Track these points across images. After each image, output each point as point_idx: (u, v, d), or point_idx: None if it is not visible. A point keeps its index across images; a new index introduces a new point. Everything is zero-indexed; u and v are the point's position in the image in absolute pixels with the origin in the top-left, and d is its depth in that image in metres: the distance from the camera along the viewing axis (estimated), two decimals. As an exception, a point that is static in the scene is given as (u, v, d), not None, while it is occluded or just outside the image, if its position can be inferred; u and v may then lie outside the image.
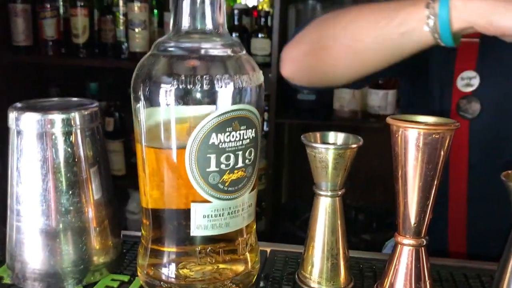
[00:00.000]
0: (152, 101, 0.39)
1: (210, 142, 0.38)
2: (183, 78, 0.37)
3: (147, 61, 0.40)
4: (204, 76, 0.37)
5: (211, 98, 0.38)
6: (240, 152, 0.39)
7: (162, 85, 0.38)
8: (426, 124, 0.39)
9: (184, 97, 0.37)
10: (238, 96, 0.39)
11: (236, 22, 1.91)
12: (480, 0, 0.63)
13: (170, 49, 0.39)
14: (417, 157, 0.39)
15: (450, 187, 0.85)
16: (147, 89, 0.39)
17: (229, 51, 0.40)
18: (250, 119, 0.40)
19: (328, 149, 0.43)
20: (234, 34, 1.91)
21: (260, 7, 2.14)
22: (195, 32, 0.39)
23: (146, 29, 1.92)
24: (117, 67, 1.93)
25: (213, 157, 0.38)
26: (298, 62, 0.83)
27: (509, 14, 0.60)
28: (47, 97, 0.48)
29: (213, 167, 0.38)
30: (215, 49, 0.39)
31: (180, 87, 0.37)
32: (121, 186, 1.89)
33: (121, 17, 1.93)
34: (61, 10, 1.98)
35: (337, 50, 0.74)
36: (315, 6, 1.87)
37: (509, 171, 0.40)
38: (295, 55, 0.83)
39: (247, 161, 0.40)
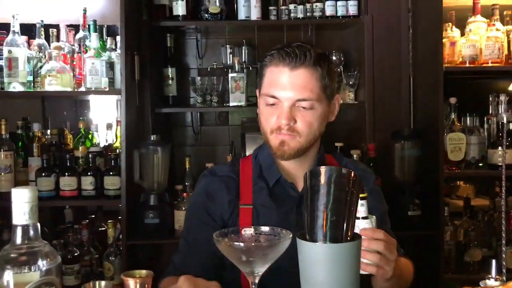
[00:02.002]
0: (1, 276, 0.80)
1: (30, 297, 0.80)
2: (17, 266, 0.80)
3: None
4: (28, 266, 0.80)
5: (32, 273, 0.80)
6: (47, 300, 0.81)
7: (6, 270, 0.80)
8: (136, 276, 0.85)
9: (17, 274, 0.80)
10: (46, 272, 0.82)
11: (90, 164, 2.34)
12: None
13: (9, 252, 0.82)
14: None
15: None
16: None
17: (42, 251, 0.83)
18: (52, 282, 0.83)
19: None
20: (89, 173, 2.33)
21: (114, 146, 2.60)
22: (24, 244, 0.82)
23: (12, 172, 2.27)
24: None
25: (32, 304, 0.80)
26: None
27: None
28: None
29: (32, 308, 0.80)
30: (33, 248, 0.83)
31: (14, 271, 0.80)
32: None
33: (-12, 163, 2.26)
34: None
35: None
36: (156, 149, 2.38)
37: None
38: None
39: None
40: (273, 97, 1.27)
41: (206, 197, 1.36)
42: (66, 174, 2.30)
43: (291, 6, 2.56)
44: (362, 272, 0.97)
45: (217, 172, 1.40)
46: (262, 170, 1.37)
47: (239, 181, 1.36)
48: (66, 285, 2.24)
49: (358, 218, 1.01)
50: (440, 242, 2.36)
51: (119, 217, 2.37)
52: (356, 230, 0.98)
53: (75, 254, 2.33)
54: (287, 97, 1.25)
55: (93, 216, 2.58)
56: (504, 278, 0.90)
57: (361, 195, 1.02)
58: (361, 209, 1.04)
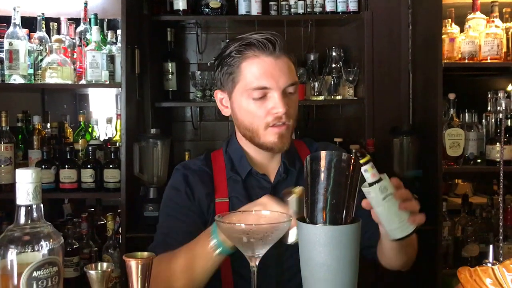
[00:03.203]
0: (3, 255, 0.81)
1: (33, 275, 0.80)
2: (20, 245, 0.81)
3: (3, 238, 0.83)
4: (31, 245, 0.81)
5: (35, 253, 0.81)
6: (50, 279, 0.82)
7: (10, 249, 0.81)
8: (137, 257, 0.86)
9: (20, 253, 0.81)
10: (49, 252, 0.83)
11: (90, 157, 2.35)
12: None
13: (13, 232, 0.82)
14: (136, 275, 0.85)
15: None
16: (1, 251, 0.81)
17: (45, 231, 0.84)
18: (55, 262, 0.83)
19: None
20: (89, 166, 2.34)
21: (113, 139, 2.61)
22: (27, 224, 0.83)
23: (11, 164, 2.27)
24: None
25: (34, 282, 0.80)
26: None
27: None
28: None
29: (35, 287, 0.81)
30: (36, 229, 0.83)
31: (18, 250, 0.81)
32: None
33: (-12, 155, 2.27)
34: None
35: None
36: (156, 142, 2.39)
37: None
38: None
39: (54, 282, 0.83)
40: (264, 88, 1.23)
41: (187, 186, 1.32)
42: (66, 166, 2.31)
43: (292, 2, 2.57)
44: (412, 228, 0.98)
45: (190, 166, 1.37)
46: (234, 163, 1.35)
47: (213, 175, 1.34)
48: (66, 277, 2.23)
49: (372, 185, 0.95)
50: (438, 237, 2.37)
51: (118, 211, 2.37)
52: (372, 196, 0.95)
53: (75, 246, 2.34)
54: (279, 85, 1.23)
55: (92, 209, 2.59)
56: (501, 260, 0.91)
57: (361, 161, 0.93)
58: (366, 175, 0.95)
